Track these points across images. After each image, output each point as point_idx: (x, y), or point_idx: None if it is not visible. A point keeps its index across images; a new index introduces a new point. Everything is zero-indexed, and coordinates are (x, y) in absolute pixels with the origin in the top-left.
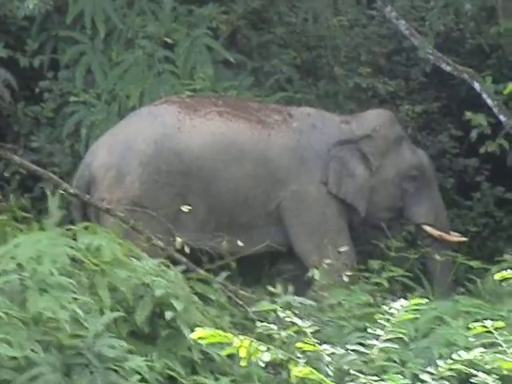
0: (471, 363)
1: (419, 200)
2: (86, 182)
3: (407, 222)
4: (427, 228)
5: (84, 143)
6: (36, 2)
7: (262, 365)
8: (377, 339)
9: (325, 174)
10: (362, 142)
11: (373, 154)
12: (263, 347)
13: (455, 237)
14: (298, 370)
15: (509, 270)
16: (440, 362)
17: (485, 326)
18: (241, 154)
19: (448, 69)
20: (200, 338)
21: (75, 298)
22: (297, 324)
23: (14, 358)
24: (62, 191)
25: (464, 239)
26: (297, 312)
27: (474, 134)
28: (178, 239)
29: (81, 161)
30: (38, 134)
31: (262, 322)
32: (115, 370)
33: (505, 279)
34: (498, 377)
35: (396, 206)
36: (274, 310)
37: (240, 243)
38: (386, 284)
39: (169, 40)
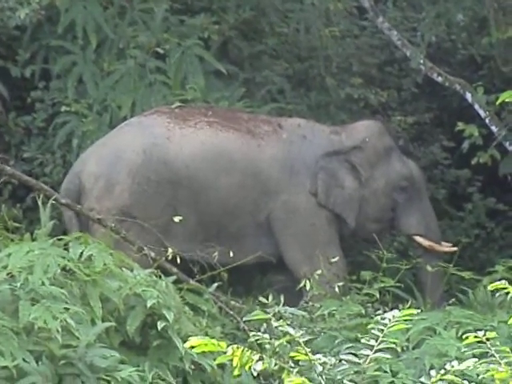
0: (463, 374)
1: (409, 211)
2: (76, 191)
3: (398, 233)
4: (418, 238)
5: (75, 153)
6: (27, 11)
7: (255, 374)
8: (369, 349)
9: (314, 184)
10: (352, 153)
11: (362, 165)
12: (256, 356)
13: (446, 247)
14: (291, 380)
15: (500, 281)
16: (432, 373)
17: (477, 337)
18: (230, 164)
19: (440, 79)
20: (193, 346)
21: (67, 308)
22: (289, 333)
23: (6, 367)
24: (53, 201)
25: (455, 249)
26: (288, 322)
27: (465, 145)
28: (169, 249)
29: None
30: (29, 144)
31: (253, 332)
32: (107, 380)
33: (496, 290)
34: None
35: (386, 218)
36: (267, 320)
37: (231, 254)
38: (377, 295)
39: (160, 50)
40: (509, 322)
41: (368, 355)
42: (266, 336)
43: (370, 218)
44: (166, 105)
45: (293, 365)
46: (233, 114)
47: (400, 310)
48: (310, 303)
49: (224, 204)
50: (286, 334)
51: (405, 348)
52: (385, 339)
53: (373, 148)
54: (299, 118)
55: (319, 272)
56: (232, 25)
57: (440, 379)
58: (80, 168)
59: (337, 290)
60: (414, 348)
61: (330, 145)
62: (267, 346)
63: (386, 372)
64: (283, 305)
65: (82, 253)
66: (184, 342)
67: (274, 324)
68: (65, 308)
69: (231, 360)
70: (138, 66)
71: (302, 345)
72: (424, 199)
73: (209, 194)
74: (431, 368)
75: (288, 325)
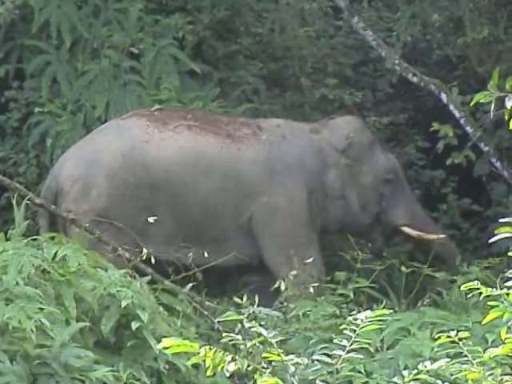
0: (436, 374)
1: (395, 202)
2: (53, 193)
3: (385, 226)
4: (405, 229)
5: (49, 153)
6: (1, 10)
7: (228, 375)
8: (342, 350)
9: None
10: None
11: (352, 160)
12: (228, 357)
13: (434, 235)
14: (263, 381)
15: (474, 282)
16: (405, 373)
17: (449, 337)
18: (210, 168)
19: (415, 80)
20: (166, 347)
21: (41, 308)
22: (262, 334)
23: None
24: (27, 201)
25: (443, 236)
26: (263, 323)
27: (440, 146)
28: (144, 250)
29: (46, 171)
30: (3, 144)
31: (227, 332)
32: (81, 380)
33: (470, 290)
34: None
35: (373, 212)
36: (240, 321)
37: (206, 255)
38: (351, 295)
39: (134, 50)
40: (483, 323)
41: (340, 355)
42: (239, 337)
43: (358, 212)
44: (140, 105)
45: (266, 365)
46: (212, 117)
47: (373, 311)
48: (285, 304)
49: (203, 207)
50: (259, 334)
51: (379, 348)
52: (358, 339)
53: (358, 143)
54: (278, 119)
55: (294, 273)
56: (207, 25)
57: (413, 379)
58: (58, 171)
59: (311, 290)
60: (388, 348)
61: (311, 143)
62: (241, 347)
63: (360, 372)
64: (258, 305)
65: (56, 253)
66: (158, 342)
67: (247, 325)
68: (39, 308)
69: (205, 360)
70: (113, 65)
71: (275, 345)
72: (406, 189)
73: (188, 198)
74: (405, 368)
75: (262, 325)
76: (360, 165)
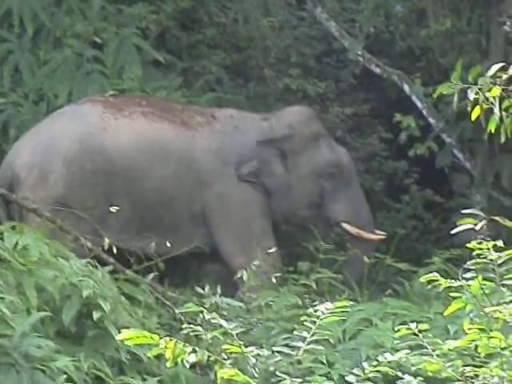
0: (397, 365)
1: (337, 198)
2: (9, 181)
3: (328, 221)
4: (345, 225)
5: (12, 143)
6: None
7: (188, 366)
8: (303, 341)
9: (245, 168)
10: (282, 140)
11: (291, 151)
12: (189, 348)
13: (374, 235)
14: (224, 372)
15: (436, 273)
16: (366, 364)
17: (410, 329)
18: (165, 155)
19: (378, 71)
20: (126, 339)
21: (2, 298)
22: (222, 325)
23: None
24: None
25: (382, 237)
26: (225, 313)
27: (403, 137)
28: (106, 239)
29: None
30: None
31: (189, 323)
32: (42, 370)
33: (432, 281)
34: (422, 378)
35: (315, 204)
36: (201, 312)
37: (168, 244)
38: (314, 286)
39: (97, 39)
40: (444, 314)
41: (301, 347)
42: (199, 328)
43: (297, 204)
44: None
45: (226, 357)
46: (167, 105)
47: (335, 302)
48: (247, 294)
49: (159, 194)
50: (220, 325)
51: (341, 339)
52: (318, 331)
53: (299, 134)
54: (232, 109)
55: (256, 263)
56: (170, 14)
57: (373, 371)
58: (13, 158)
59: (274, 280)
60: (350, 339)
61: (261, 133)
62: (203, 337)
63: (321, 363)
64: (220, 295)
65: (17, 242)
66: (120, 332)
67: (207, 316)
68: (0, 297)
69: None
70: (75, 54)
71: (235, 337)
72: (354, 186)
73: (144, 184)
74: (367, 359)
75: (223, 316)
76: (299, 156)
